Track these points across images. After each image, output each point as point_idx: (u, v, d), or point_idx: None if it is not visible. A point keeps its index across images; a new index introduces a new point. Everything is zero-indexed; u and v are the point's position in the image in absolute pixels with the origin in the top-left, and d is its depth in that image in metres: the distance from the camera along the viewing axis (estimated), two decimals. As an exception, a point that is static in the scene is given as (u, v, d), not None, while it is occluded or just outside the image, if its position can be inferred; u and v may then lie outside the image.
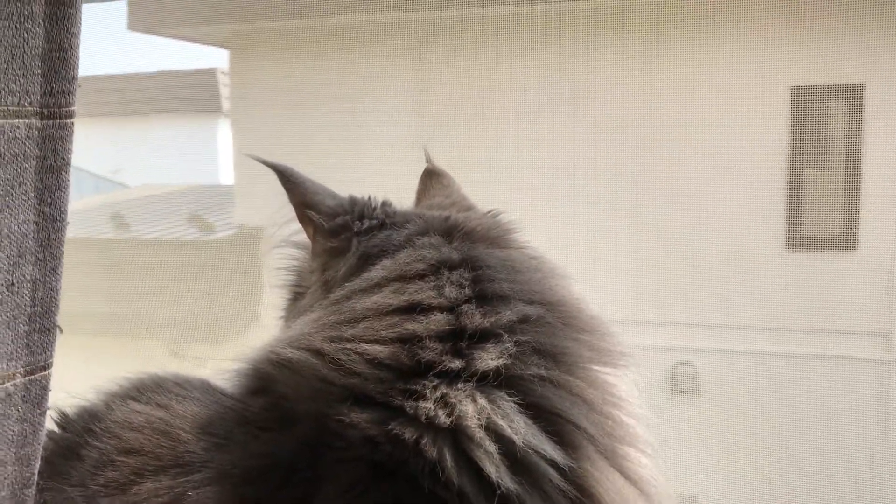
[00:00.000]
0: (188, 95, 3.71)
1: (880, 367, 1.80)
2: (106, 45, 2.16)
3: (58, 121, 0.52)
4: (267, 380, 0.63)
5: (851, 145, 1.82)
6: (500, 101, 1.97)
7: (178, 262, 2.52)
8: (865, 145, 1.80)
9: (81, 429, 0.66)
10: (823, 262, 1.91)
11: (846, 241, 1.83)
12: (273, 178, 0.73)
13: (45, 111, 0.51)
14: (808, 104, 1.81)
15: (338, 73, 2.13)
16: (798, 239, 1.87)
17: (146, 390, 0.68)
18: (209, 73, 3.42)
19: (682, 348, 1.94)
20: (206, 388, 0.68)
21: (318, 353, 0.61)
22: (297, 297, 0.77)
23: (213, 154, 3.56)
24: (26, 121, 0.51)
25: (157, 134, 3.88)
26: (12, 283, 0.55)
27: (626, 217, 1.88)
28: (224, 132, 3.46)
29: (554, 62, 1.93)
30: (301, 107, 2.07)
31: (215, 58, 3.46)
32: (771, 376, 1.90)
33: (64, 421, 0.67)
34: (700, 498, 1.86)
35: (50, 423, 0.65)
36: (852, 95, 1.78)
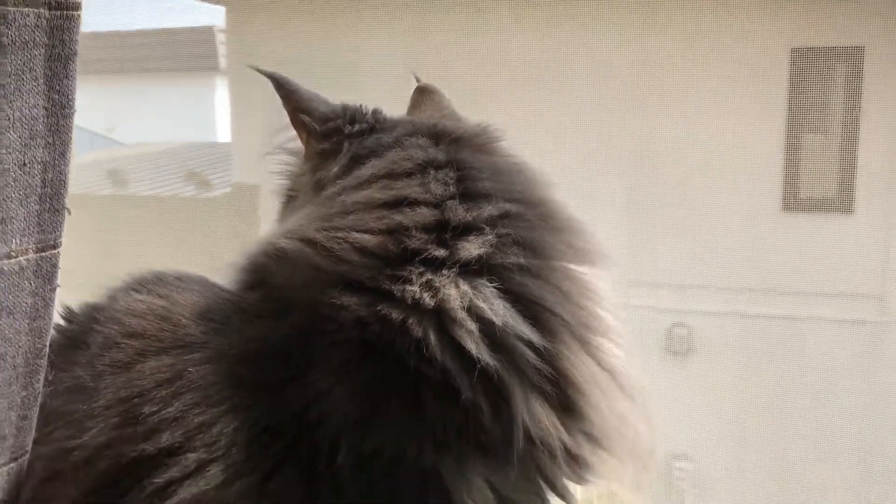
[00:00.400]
0: (185, 53, 3.68)
1: (873, 328, 1.82)
2: (103, 1, 2.14)
3: (65, 12, 0.55)
4: (263, 271, 0.68)
5: (850, 108, 1.82)
6: (494, 58, 1.96)
7: (176, 219, 2.53)
8: (864, 108, 1.80)
9: (86, 319, 0.71)
10: (819, 224, 1.92)
11: (842, 203, 1.84)
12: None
13: (53, 2, 0.55)
14: (807, 66, 1.80)
15: (334, 30, 2.11)
16: (795, 201, 1.87)
17: (147, 283, 0.73)
18: (206, 31, 3.40)
19: (677, 310, 1.95)
20: (205, 282, 0.73)
21: (310, 242, 0.66)
22: (290, 200, 0.81)
23: (210, 112, 3.55)
24: (35, 10, 0.54)
25: (154, 92, 3.86)
26: (24, 164, 0.58)
27: (623, 180, 1.88)
28: (221, 90, 3.44)
29: (551, 27, 1.92)
30: (298, 63, 2.06)
31: (212, 15, 3.43)
32: (765, 337, 1.91)
33: (69, 315, 0.73)
34: (691, 454, 1.89)
35: (56, 318, 0.71)
36: (852, 57, 1.77)
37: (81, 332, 0.71)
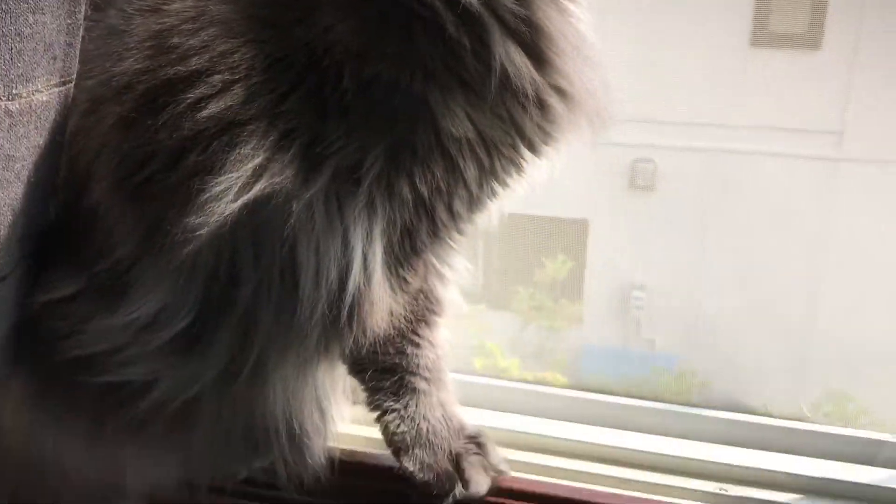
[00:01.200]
0: None
1: (831, 165, 1.86)
2: None
3: None
4: None
5: (824, -62, 1.78)
6: None
7: None
8: (838, -61, 1.76)
9: None
10: (785, 60, 1.91)
11: (811, 39, 1.83)
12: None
13: None
14: None
15: None
16: (763, 36, 1.85)
17: None
18: None
19: (642, 144, 1.96)
20: None
21: None
22: None
23: None
24: None
25: None
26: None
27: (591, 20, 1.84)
28: None
29: None
30: None
31: None
32: (725, 173, 1.94)
33: None
34: (649, 287, 1.95)
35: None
36: None
37: None
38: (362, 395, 1.19)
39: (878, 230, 1.76)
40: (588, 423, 1.20)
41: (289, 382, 1.05)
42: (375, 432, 1.16)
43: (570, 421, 1.21)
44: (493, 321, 1.53)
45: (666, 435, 1.23)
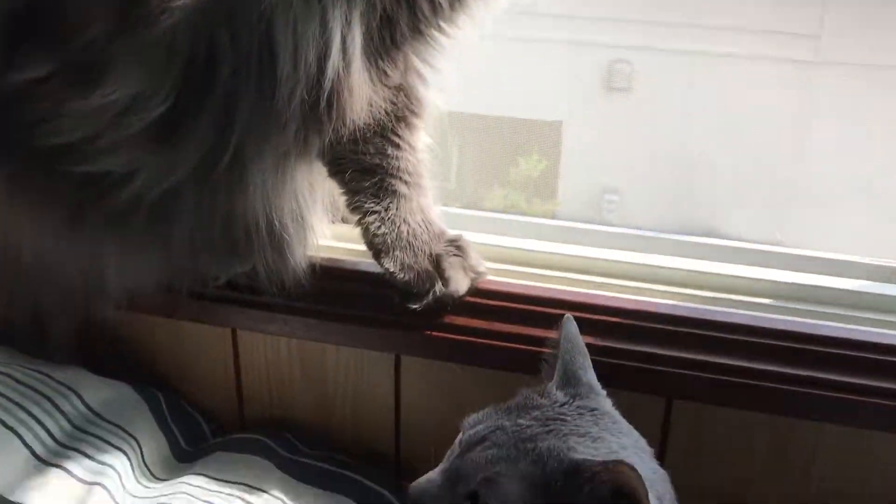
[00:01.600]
0: None
1: (807, 68, 1.86)
2: None
3: None
4: None
5: None
6: None
7: None
8: None
9: None
10: (767, -39, 1.91)
11: (792, -62, 1.83)
12: None
13: None
14: None
15: None
16: (745, -65, 1.85)
17: None
18: None
19: (619, 45, 1.95)
20: None
21: None
22: None
23: None
24: None
25: None
26: None
27: None
28: None
29: None
30: None
31: None
32: (702, 76, 1.93)
33: None
34: (623, 189, 1.94)
35: None
36: None
37: None
38: (343, 210, 1.16)
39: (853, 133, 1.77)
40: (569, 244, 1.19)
41: (267, 177, 1.01)
42: (356, 245, 1.13)
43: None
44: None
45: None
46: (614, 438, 0.78)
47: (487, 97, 1.79)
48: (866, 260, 1.18)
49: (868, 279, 1.15)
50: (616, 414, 0.84)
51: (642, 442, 0.83)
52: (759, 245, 1.23)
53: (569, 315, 0.90)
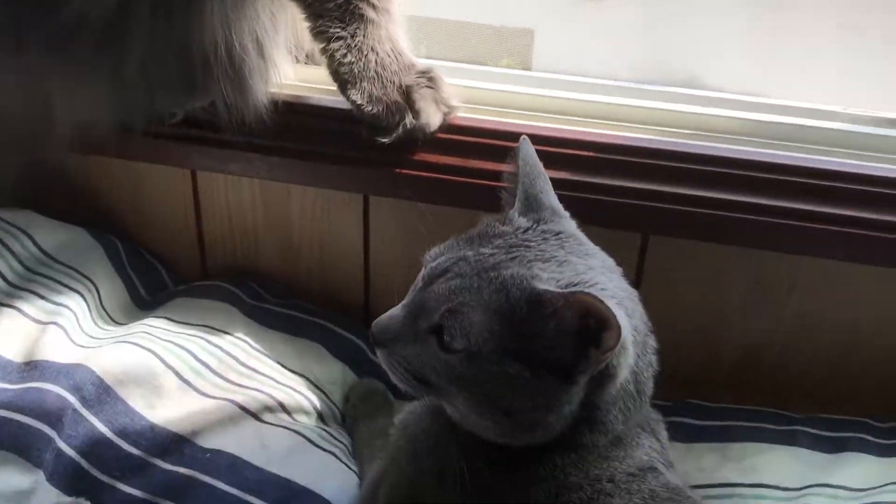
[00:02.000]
0: None
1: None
2: None
3: None
4: None
5: None
6: None
7: None
8: None
9: None
10: None
11: None
12: None
13: None
14: None
15: None
16: None
17: None
18: None
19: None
20: None
21: None
22: None
23: None
24: None
25: None
26: None
27: None
28: None
29: None
30: None
31: None
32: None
33: None
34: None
35: None
36: None
37: None
38: (309, 47, 1.09)
39: None
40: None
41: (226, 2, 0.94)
42: (324, 86, 1.07)
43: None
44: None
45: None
46: (580, 260, 0.75)
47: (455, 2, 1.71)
48: (848, 110, 1.14)
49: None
50: (581, 235, 0.80)
51: (610, 261, 0.80)
52: (740, 95, 1.19)
53: (524, 136, 0.84)
